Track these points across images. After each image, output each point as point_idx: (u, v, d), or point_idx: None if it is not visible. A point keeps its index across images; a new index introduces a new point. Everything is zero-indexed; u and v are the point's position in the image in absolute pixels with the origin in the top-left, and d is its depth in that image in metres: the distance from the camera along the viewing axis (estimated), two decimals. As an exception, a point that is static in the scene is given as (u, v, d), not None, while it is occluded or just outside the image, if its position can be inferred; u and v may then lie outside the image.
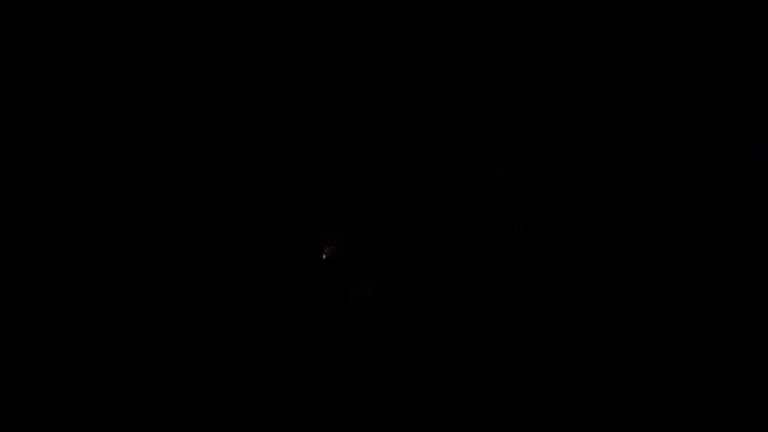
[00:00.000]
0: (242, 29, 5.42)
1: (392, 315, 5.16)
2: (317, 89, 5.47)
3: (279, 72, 5.46)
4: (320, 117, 5.46)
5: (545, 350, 4.79)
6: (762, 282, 4.59)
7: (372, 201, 5.52)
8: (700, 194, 4.89)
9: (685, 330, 4.65)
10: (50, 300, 5.06)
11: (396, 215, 5.51)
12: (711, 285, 4.69)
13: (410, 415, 4.65)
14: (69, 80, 5.29)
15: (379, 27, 5.38)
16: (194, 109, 5.44)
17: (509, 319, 5.02)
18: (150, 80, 5.39)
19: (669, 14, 5.02)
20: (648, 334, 4.68)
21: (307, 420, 4.72)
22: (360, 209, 5.51)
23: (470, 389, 4.72)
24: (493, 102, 5.36)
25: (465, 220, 5.43)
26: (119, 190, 5.28)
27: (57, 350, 4.94)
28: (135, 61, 5.36)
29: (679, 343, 4.62)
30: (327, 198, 5.51)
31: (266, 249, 5.42)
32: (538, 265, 5.19)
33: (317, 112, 5.47)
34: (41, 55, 5.23)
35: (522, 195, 5.32)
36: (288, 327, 5.15)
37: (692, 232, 4.85)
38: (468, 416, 4.58)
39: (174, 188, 5.36)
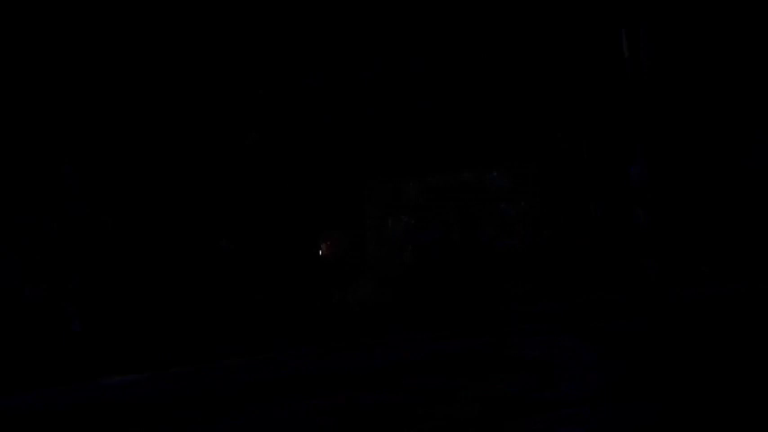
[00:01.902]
0: (242, 30, 5.43)
1: (392, 314, 5.15)
2: (317, 89, 5.47)
3: (279, 72, 5.47)
4: (320, 117, 5.47)
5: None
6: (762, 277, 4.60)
7: (372, 201, 5.51)
8: (700, 193, 4.89)
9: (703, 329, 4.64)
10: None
11: (395, 216, 5.51)
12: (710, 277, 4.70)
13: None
14: (72, 81, 5.30)
15: (380, 28, 5.40)
16: (195, 109, 5.44)
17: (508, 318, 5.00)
18: (151, 80, 5.40)
19: (670, 20, 5.04)
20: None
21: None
22: (360, 209, 5.51)
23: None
24: (493, 103, 5.37)
25: (464, 221, 5.42)
26: (118, 188, 5.28)
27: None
28: (136, 61, 5.37)
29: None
30: (327, 198, 5.50)
31: (266, 249, 5.40)
32: (538, 265, 5.18)
33: (317, 112, 5.48)
34: (45, 56, 5.25)
35: (522, 195, 5.32)
36: (287, 326, 5.14)
37: (692, 230, 4.86)
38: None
39: (174, 187, 5.36)
